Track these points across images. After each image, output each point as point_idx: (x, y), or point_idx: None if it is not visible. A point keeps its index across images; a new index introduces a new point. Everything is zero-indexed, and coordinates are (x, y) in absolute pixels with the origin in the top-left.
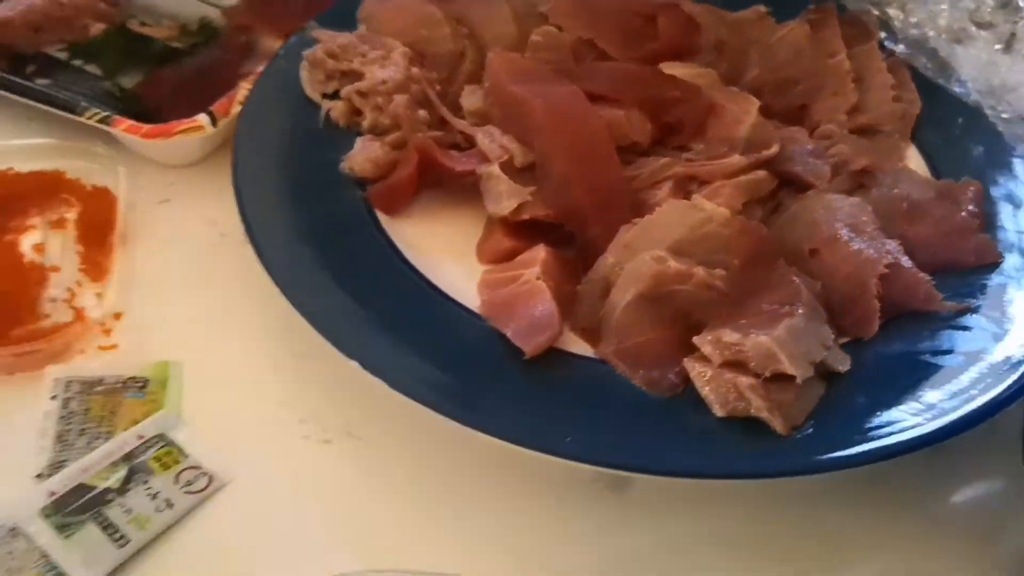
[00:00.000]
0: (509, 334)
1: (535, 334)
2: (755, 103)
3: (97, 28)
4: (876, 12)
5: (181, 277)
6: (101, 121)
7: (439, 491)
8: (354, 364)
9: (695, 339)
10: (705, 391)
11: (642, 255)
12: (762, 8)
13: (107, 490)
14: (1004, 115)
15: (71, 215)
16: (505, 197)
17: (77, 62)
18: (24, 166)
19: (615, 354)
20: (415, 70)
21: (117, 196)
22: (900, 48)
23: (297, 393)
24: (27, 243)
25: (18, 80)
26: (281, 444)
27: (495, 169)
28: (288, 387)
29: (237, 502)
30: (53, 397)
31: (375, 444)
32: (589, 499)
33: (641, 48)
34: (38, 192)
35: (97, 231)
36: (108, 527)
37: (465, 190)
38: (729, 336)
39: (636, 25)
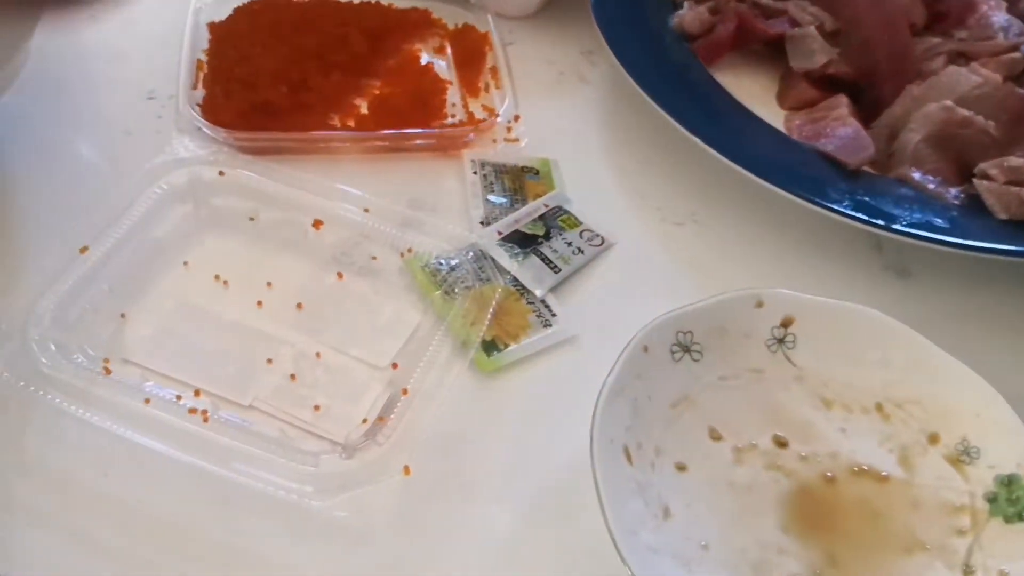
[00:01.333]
0: (832, 150)
1: (857, 152)
2: (1003, 3)
3: None
4: None
5: (547, 98)
6: None
7: (766, 263)
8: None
9: (982, 164)
10: (991, 201)
11: (930, 105)
12: None
13: (536, 236)
14: None
15: (446, 45)
16: (817, 53)
17: None
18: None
19: (911, 176)
20: None
21: (488, 32)
22: None
23: (652, 189)
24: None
25: None
26: (645, 224)
27: (811, 30)
28: (645, 183)
29: (621, 258)
30: (475, 172)
31: (712, 228)
32: (880, 281)
33: None
34: (416, 24)
35: (469, 57)
36: (544, 259)
37: (759, 53)
38: (1012, 161)
39: None
